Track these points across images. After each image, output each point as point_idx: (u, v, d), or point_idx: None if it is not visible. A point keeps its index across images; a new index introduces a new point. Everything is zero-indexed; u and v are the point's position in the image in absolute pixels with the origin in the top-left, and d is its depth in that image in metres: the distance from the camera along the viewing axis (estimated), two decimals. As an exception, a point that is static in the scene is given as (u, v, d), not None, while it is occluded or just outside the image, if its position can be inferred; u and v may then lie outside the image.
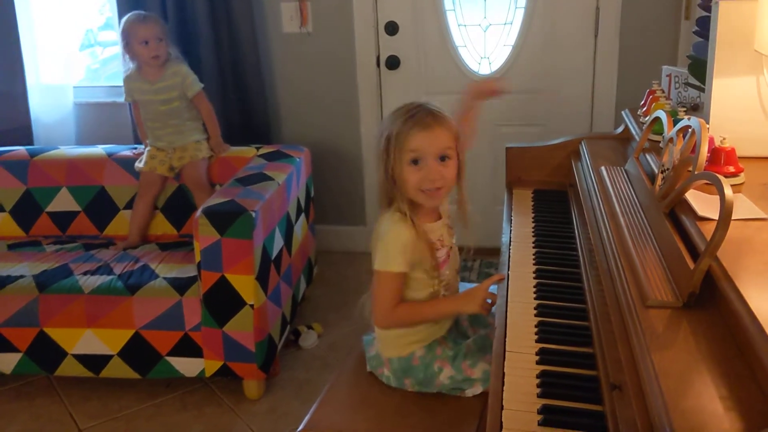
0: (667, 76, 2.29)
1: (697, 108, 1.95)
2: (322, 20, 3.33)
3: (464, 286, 1.85)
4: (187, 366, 2.44)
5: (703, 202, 1.30)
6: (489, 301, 1.62)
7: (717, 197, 1.32)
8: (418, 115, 1.54)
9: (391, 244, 1.60)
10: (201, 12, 3.18)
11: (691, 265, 1.14)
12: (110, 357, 2.44)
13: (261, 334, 2.40)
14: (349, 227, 3.62)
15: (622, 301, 1.17)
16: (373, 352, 1.78)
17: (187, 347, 2.42)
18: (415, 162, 1.55)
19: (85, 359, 2.46)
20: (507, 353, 1.28)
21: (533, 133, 3.33)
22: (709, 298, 1.11)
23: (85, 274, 2.52)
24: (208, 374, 2.44)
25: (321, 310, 3.07)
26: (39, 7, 3.37)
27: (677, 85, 2.24)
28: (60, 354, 2.45)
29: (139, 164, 2.94)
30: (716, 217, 1.24)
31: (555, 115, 3.32)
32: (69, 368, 2.48)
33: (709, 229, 1.21)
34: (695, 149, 1.35)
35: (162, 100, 2.86)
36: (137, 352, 2.44)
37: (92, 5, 4.10)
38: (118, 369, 2.46)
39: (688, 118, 1.43)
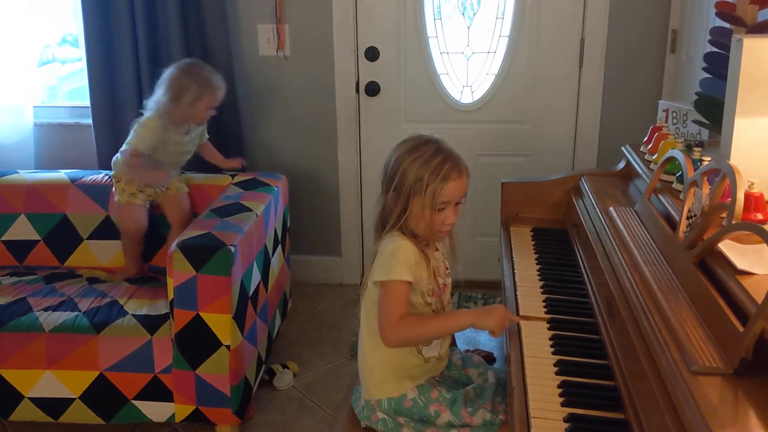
0: (664, 110, 2.23)
1: (702, 145, 1.88)
2: (300, 44, 3.21)
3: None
4: (155, 410, 2.27)
5: (739, 254, 1.20)
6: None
7: (753, 247, 1.24)
8: (454, 169, 1.59)
9: (395, 254, 1.59)
10: (174, 32, 3.03)
11: (738, 326, 1.04)
12: (71, 401, 2.25)
13: (237, 377, 2.24)
14: (324, 257, 3.48)
15: (663, 365, 1.06)
16: (362, 403, 1.71)
17: (156, 390, 2.25)
18: (441, 209, 1.60)
19: (43, 403, 2.26)
20: (532, 419, 1.17)
21: (514, 164, 3.27)
22: (760, 363, 1.01)
23: (46, 310, 2.33)
24: (178, 419, 2.27)
25: (296, 347, 2.91)
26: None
27: (676, 120, 2.18)
28: (16, 397, 2.26)
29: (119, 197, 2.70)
30: (758, 271, 1.16)
31: (537, 145, 3.25)
32: (25, 413, 2.28)
33: (751, 284, 1.12)
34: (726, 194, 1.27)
35: (189, 151, 2.77)
36: (101, 395, 2.25)
37: (51, 20, 3.91)
38: (80, 414, 2.27)
39: (716, 161, 1.34)
